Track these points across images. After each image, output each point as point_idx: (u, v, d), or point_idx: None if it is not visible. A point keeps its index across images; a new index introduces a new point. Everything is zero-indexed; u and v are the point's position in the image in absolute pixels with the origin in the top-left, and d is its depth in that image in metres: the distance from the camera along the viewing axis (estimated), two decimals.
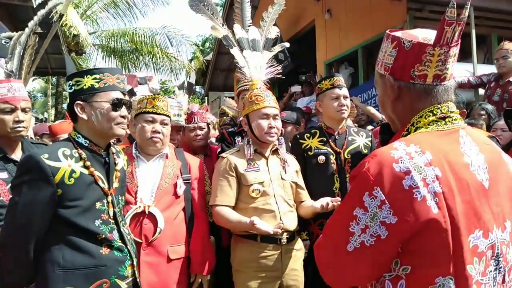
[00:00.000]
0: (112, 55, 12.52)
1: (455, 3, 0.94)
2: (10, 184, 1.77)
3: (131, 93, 3.53)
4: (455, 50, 0.98)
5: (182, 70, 12.80)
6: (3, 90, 1.84)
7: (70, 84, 1.60)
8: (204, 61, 13.36)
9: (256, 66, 2.45)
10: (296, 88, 7.18)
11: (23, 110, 1.88)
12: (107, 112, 1.58)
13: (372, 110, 4.17)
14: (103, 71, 1.60)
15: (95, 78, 1.58)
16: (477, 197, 0.91)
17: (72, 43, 11.25)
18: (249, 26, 2.65)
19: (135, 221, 1.98)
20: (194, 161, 2.35)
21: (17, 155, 1.92)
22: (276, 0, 2.77)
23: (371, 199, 0.88)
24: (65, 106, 15.44)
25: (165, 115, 2.17)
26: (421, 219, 0.85)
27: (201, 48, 18.84)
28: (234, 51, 2.46)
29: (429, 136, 0.96)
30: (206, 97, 14.66)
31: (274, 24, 2.73)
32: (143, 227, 1.98)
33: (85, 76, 1.58)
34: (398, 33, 1.03)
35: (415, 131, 1.00)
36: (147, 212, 1.99)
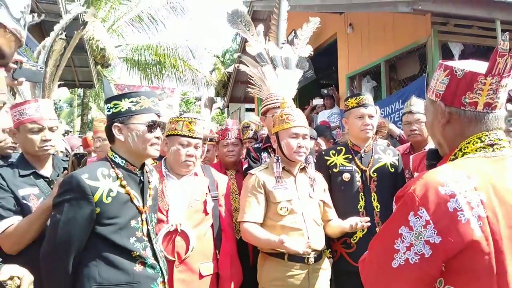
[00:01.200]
0: (136, 68, 12.85)
1: (507, 37, 0.99)
2: (41, 199, 1.84)
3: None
4: (506, 81, 1.02)
5: (206, 84, 13.03)
6: (31, 110, 1.88)
7: (109, 107, 1.68)
8: (226, 72, 13.56)
9: (288, 84, 2.49)
10: (318, 101, 7.21)
11: (50, 129, 1.92)
12: (143, 134, 1.64)
13: (391, 125, 4.14)
14: (139, 95, 1.68)
15: (132, 101, 1.65)
16: None
17: (99, 56, 11.64)
18: (283, 43, 2.68)
19: (168, 239, 2.03)
20: (221, 178, 2.40)
21: (47, 171, 1.97)
22: (311, 18, 2.78)
23: (416, 218, 0.92)
24: (90, 117, 15.90)
25: (200, 138, 2.21)
26: (465, 241, 0.88)
27: (222, 59, 19.12)
28: (267, 68, 2.50)
29: (476, 161, 0.99)
30: (226, 108, 14.82)
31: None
32: (175, 245, 2.02)
33: (122, 100, 1.65)
34: (450, 63, 1.08)
35: (462, 156, 1.03)
36: (179, 230, 2.04)
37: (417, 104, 2.99)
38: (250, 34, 2.58)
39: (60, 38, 2.50)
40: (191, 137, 2.16)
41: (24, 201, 1.79)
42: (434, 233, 0.90)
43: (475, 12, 4.49)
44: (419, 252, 0.91)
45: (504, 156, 1.00)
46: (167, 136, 2.19)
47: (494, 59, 0.98)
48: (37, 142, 1.88)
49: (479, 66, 1.03)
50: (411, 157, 2.71)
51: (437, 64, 1.12)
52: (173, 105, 4.25)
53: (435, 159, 1.18)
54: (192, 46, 12.70)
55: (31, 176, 1.89)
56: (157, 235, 1.97)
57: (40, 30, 6.71)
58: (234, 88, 12.35)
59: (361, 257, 1.11)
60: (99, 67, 12.28)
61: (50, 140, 1.91)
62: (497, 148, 1.01)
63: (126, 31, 12.87)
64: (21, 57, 1.86)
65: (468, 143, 1.03)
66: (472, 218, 0.88)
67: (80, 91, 18.21)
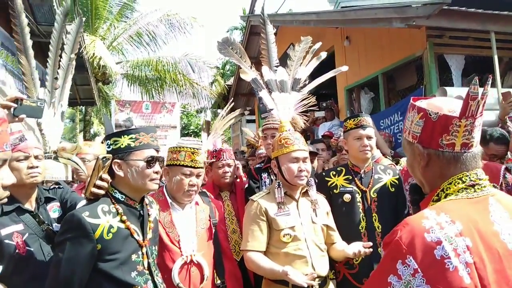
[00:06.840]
0: (136, 83, 12.94)
1: (477, 80, 1.00)
2: (27, 235, 1.83)
3: (130, 121, 3.67)
4: (480, 120, 1.03)
5: (207, 97, 13.14)
6: (15, 140, 1.89)
7: (108, 143, 1.70)
8: (226, 86, 13.65)
9: (285, 108, 2.49)
10: (319, 113, 7.24)
11: (36, 157, 1.94)
12: (142, 170, 1.67)
13: (384, 148, 4.09)
14: (138, 131, 1.71)
15: (131, 138, 1.68)
16: (509, 266, 0.92)
17: (99, 74, 11.75)
18: (276, 66, 2.69)
19: (183, 270, 2.07)
20: (217, 204, 2.49)
21: (32, 205, 1.96)
22: (302, 37, 2.79)
23: (404, 267, 0.91)
24: (92, 131, 15.99)
25: (202, 167, 2.23)
26: None
27: (222, 71, 19.23)
28: (263, 93, 2.50)
29: (459, 204, 0.99)
30: None
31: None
32: (191, 275, 2.07)
33: (122, 136, 1.68)
34: (423, 104, 1.08)
35: (445, 197, 1.03)
36: (195, 262, 2.09)
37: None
38: (243, 60, 2.60)
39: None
40: (194, 167, 2.18)
41: (6, 241, 1.77)
42: (423, 282, 0.89)
43: (469, 25, 4.53)
44: None
45: (485, 196, 1.01)
46: (168, 165, 2.21)
47: (466, 103, 0.99)
48: (24, 169, 1.88)
49: (452, 106, 1.04)
50: (401, 172, 2.69)
51: (409, 104, 1.13)
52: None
53: (417, 194, 1.19)
54: (192, 60, 12.80)
55: (14, 212, 1.87)
56: (169, 265, 2.02)
57: (40, 51, 6.79)
58: (234, 101, 12.39)
59: None
60: (100, 84, 12.37)
61: (37, 167, 1.91)
62: (478, 189, 1.02)
63: (126, 48, 13.01)
64: (21, 95, 1.90)
65: (450, 183, 1.04)
66: (459, 265, 0.88)
67: (82, 107, 18.32)
